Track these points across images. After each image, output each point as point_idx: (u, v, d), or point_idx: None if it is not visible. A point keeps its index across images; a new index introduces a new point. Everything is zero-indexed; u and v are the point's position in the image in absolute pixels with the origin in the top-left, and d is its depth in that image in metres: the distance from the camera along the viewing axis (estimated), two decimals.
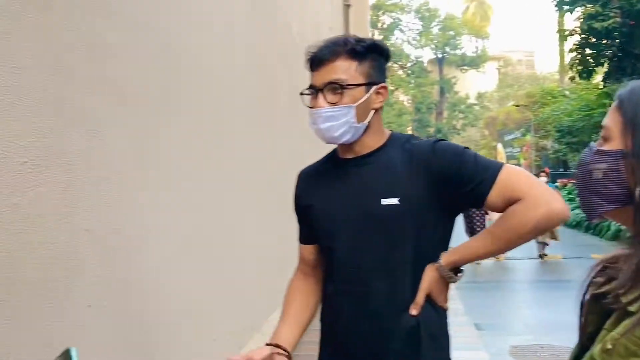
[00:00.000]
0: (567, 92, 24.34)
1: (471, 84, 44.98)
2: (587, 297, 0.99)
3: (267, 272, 4.25)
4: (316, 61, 1.54)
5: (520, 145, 29.14)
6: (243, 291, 3.68)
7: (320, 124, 1.52)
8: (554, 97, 24.67)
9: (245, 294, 3.72)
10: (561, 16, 20.49)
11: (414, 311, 1.51)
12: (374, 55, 1.56)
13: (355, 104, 1.52)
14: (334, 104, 1.51)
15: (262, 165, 4.16)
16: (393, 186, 1.51)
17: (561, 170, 24.24)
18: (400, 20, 44.44)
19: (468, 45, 62.64)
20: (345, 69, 1.51)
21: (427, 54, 44.94)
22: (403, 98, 42.66)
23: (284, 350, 1.61)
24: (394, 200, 1.49)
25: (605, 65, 16.95)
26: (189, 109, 2.80)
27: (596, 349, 0.87)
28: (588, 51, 17.07)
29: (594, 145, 0.96)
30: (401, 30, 44.90)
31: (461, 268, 1.57)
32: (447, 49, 45.36)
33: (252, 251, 3.87)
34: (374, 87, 1.55)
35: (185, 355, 2.67)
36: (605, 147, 0.92)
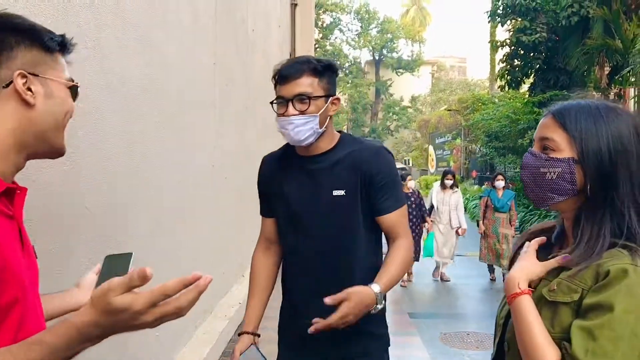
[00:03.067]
0: (496, 100, 25.40)
1: (406, 87, 46.06)
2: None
3: (220, 259, 4.46)
4: (284, 76, 1.84)
5: (451, 148, 30.30)
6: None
7: (290, 129, 1.84)
8: (484, 104, 25.70)
9: None
10: (493, 27, 21.49)
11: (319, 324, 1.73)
12: (329, 72, 1.90)
13: (319, 113, 1.84)
14: (302, 112, 1.82)
15: (217, 155, 4.36)
16: (340, 180, 1.87)
17: (488, 173, 25.30)
18: (340, 20, 44.97)
19: (404, 49, 64.31)
20: (309, 84, 1.84)
21: (364, 55, 45.28)
22: (340, 97, 43.13)
23: (258, 335, 1.97)
24: (342, 192, 1.87)
25: (532, 76, 18.00)
26: (160, 100, 2.99)
27: (544, 289, 1.22)
28: (517, 62, 18.08)
29: (538, 152, 1.27)
30: (340, 30, 45.44)
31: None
32: (384, 51, 46.32)
33: (207, 240, 4.07)
34: (330, 98, 1.90)
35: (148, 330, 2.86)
36: (557, 155, 1.24)
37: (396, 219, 1.92)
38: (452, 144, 30.95)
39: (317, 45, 32.82)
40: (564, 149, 1.23)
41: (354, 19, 45.83)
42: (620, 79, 14.87)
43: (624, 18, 13.85)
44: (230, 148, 4.73)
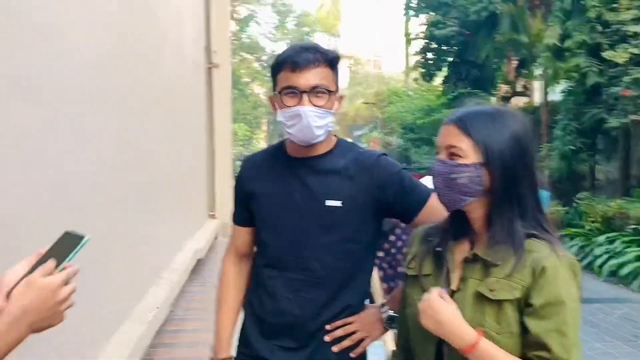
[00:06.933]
0: (410, 93, 26.07)
1: None
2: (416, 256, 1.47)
3: (134, 261, 4.22)
4: (301, 64, 1.61)
5: (369, 141, 30.75)
6: (110, 278, 3.64)
7: (306, 123, 1.61)
8: (399, 97, 26.34)
9: (112, 282, 3.67)
10: (407, 21, 22.01)
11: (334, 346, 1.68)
12: (337, 65, 1.70)
13: (333, 110, 1.65)
14: (319, 106, 1.62)
15: (126, 154, 4.10)
16: (336, 189, 1.66)
17: (404, 164, 25.88)
18: (257, 13, 44.57)
19: (321, 43, 64.72)
20: (326, 76, 1.63)
21: (282, 48, 45.13)
22: (259, 91, 42.92)
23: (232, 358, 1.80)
24: (338, 203, 1.65)
25: (445, 69, 18.59)
26: (50, 92, 2.73)
27: (480, 288, 1.29)
28: (430, 56, 18.61)
29: (447, 160, 1.34)
30: (257, 23, 45.06)
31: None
32: None
33: (118, 242, 3.83)
34: (338, 95, 1.69)
35: (55, 344, 2.62)
36: (465, 161, 1.32)
37: (430, 211, 1.63)
38: (370, 136, 31.49)
39: (234, 38, 32.33)
40: (470, 154, 1.32)
41: (271, 11, 45.59)
42: (526, 72, 15.61)
43: (528, 14, 14.53)
44: (141, 146, 4.48)
